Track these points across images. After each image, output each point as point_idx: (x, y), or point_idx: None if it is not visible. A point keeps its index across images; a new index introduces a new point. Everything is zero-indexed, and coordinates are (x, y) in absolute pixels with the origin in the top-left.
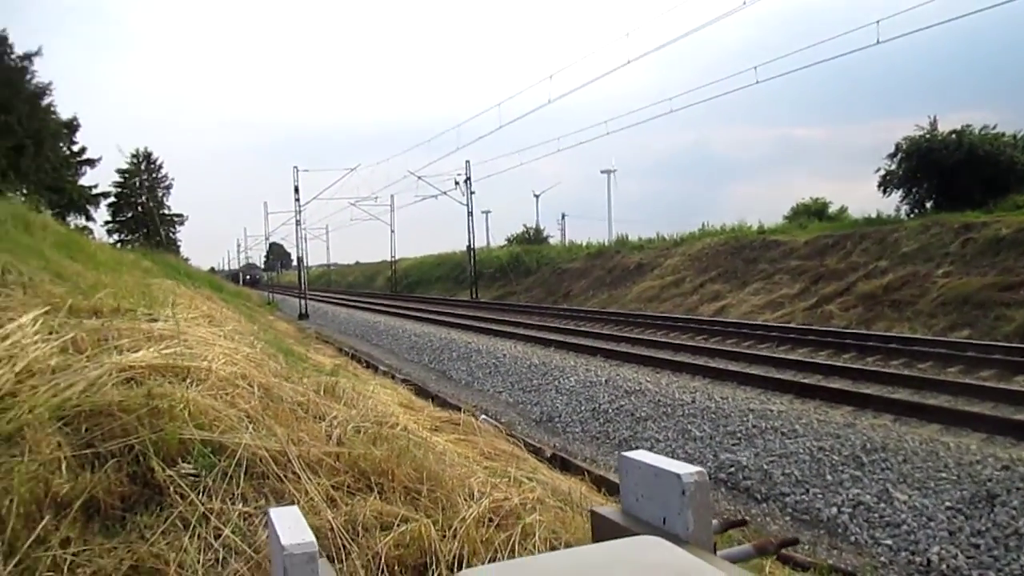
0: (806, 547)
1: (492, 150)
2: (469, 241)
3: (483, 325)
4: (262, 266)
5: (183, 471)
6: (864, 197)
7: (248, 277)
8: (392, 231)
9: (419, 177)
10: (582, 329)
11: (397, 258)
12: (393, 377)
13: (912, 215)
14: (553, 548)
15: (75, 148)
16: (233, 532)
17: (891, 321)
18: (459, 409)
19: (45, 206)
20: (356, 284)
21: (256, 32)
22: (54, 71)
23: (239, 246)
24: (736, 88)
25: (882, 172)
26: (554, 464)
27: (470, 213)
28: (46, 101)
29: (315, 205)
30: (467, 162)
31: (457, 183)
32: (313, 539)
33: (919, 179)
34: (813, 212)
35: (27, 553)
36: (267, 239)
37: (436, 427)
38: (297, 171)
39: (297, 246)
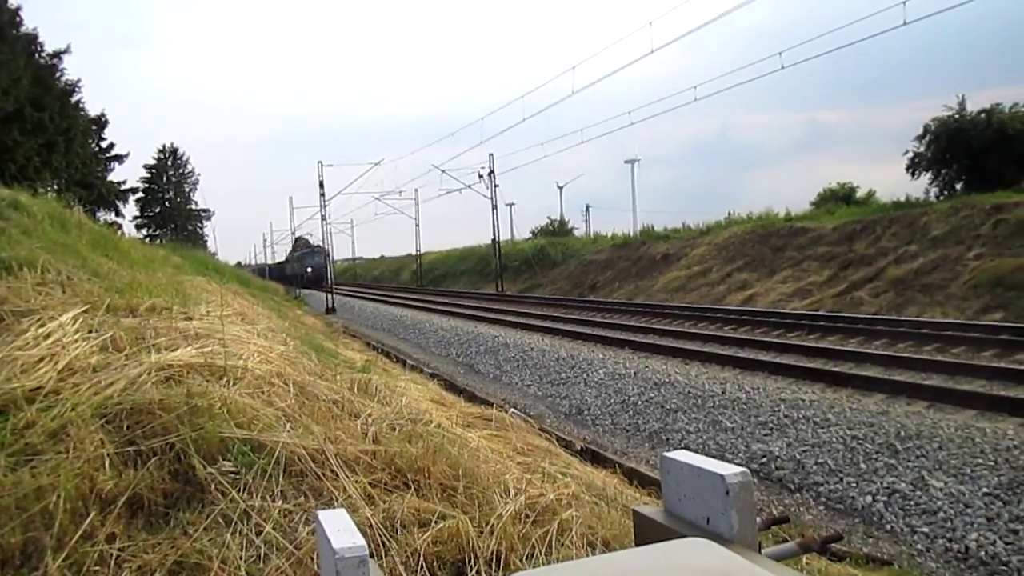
0: (842, 537)
1: (516, 143)
2: (494, 234)
3: (510, 318)
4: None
5: (223, 469)
6: (892, 180)
7: (309, 271)
8: (417, 225)
9: (443, 171)
10: (609, 321)
11: (422, 252)
12: (422, 371)
13: (942, 197)
14: (590, 544)
15: (103, 144)
16: (274, 529)
17: (922, 306)
18: (490, 404)
19: (76, 202)
20: (382, 278)
21: (280, 26)
22: (82, 68)
23: (265, 240)
24: (761, 75)
25: (910, 154)
26: (585, 457)
27: (494, 206)
28: (75, 98)
29: (340, 199)
30: (491, 155)
31: (481, 176)
32: (363, 542)
33: (948, 160)
34: (840, 197)
35: (75, 548)
36: (293, 233)
37: (468, 423)
38: (322, 166)
39: (323, 240)
